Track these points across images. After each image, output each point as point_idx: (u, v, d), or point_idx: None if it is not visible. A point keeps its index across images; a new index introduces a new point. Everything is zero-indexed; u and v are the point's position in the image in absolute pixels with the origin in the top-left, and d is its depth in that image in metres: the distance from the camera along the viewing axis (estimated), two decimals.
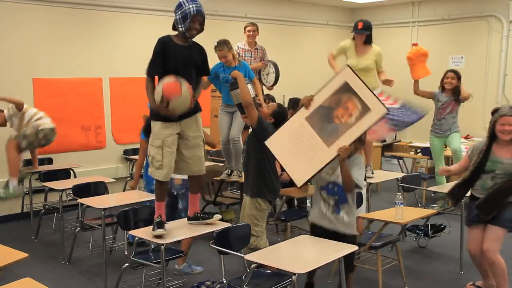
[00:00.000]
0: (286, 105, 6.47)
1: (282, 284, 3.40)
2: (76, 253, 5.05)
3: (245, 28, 6.66)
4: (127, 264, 3.95)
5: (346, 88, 3.42)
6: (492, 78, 8.38)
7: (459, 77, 6.00)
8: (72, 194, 5.07)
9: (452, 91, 6.02)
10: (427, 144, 6.90)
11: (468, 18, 8.58)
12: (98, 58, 6.92)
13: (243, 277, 3.48)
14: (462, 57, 8.72)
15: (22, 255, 3.10)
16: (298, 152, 3.51)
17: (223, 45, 5.20)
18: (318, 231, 3.63)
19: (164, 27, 7.57)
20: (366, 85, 3.42)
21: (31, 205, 6.04)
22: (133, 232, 3.75)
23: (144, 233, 3.72)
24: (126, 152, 7.17)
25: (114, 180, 5.82)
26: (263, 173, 4.14)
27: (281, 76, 9.09)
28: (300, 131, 3.53)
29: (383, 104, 3.37)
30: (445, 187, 5.38)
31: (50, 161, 6.52)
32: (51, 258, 5.10)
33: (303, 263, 3.13)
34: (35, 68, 6.40)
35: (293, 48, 9.34)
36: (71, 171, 6.28)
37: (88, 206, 4.63)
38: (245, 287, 3.33)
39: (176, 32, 3.96)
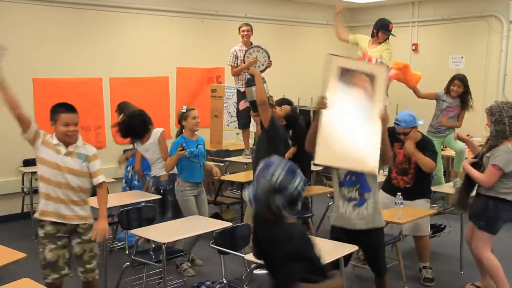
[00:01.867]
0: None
1: None
2: None
3: (239, 28, 6.69)
4: (128, 264, 3.96)
5: (343, 71, 3.42)
6: (492, 78, 8.37)
7: (465, 84, 5.97)
8: None
9: (459, 97, 6.00)
10: None
11: (468, 18, 8.58)
12: (98, 58, 6.92)
13: (243, 277, 3.49)
14: (462, 57, 8.71)
15: (20, 255, 3.10)
16: (352, 145, 3.35)
17: None
18: (337, 232, 3.50)
19: (164, 27, 7.63)
20: (353, 58, 3.52)
21: (31, 205, 6.04)
22: (135, 232, 3.76)
23: (145, 232, 3.73)
24: (126, 152, 7.16)
25: (114, 180, 5.82)
26: None
27: (281, 76, 9.11)
28: (341, 129, 3.39)
29: (381, 63, 3.47)
30: (445, 187, 5.39)
31: None
32: None
33: None
34: (35, 68, 6.40)
35: (293, 48, 9.34)
36: None
37: None
38: (245, 287, 3.33)
39: None
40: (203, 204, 4.82)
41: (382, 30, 6.20)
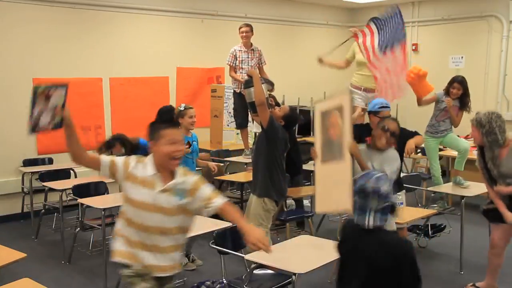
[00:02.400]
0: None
1: (282, 284, 3.40)
2: (76, 253, 5.05)
3: (239, 29, 6.66)
4: None
5: (323, 115, 3.59)
6: (492, 78, 8.37)
7: (465, 87, 5.93)
8: (72, 194, 5.07)
9: (459, 99, 5.97)
10: None
11: (468, 18, 8.58)
12: (98, 58, 6.92)
13: (243, 277, 3.49)
14: (462, 57, 8.71)
15: (20, 255, 3.10)
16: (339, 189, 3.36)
17: None
18: None
19: (164, 27, 7.63)
20: (328, 98, 3.72)
21: (31, 205, 6.04)
22: None
23: None
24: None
25: (114, 180, 5.81)
26: (272, 174, 4.14)
27: (281, 76, 9.10)
28: (328, 175, 3.55)
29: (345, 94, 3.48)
30: (445, 187, 5.39)
31: (50, 161, 6.52)
32: (51, 258, 5.10)
33: (303, 263, 3.13)
34: (35, 68, 6.40)
35: (293, 48, 9.34)
36: (71, 171, 6.28)
37: (88, 206, 4.64)
38: (245, 287, 3.33)
39: None
40: None
41: None
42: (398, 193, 4.21)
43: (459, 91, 5.87)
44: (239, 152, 7.12)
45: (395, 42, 5.22)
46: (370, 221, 2.33)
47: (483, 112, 3.90)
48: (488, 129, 3.80)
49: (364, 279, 2.34)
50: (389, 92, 5.23)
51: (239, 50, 6.61)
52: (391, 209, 2.35)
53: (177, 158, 2.60)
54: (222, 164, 6.64)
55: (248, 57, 6.61)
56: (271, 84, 5.42)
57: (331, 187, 3.40)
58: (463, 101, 5.93)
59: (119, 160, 2.69)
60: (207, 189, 2.69)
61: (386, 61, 5.25)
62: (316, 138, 3.63)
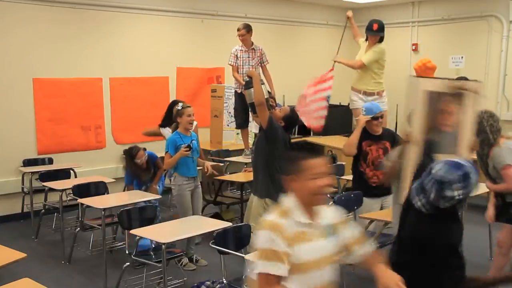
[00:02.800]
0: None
1: None
2: (76, 253, 5.05)
3: (237, 30, 6.65)
4: (128, 264, 3.96)
5: (432, 97, 3.05)
6: (492, 78, 8.37)
7: None
8: (72, 194, 5.07)
9: None
10: None
11: (468, 18, 8.58)
12: (98, 58, 6.92)
13: (243, 277, 3.48)
14: (462, 57, 8.71)
15: (20, 255, 3.10)
16: None
17: None
18: None
19: (164, 27, 7.62)
20: (437, 78, 3.15)
21: (31, 205, 6.03)
22: (135, 232, 3.75)
23: (145, 232, 3.73)
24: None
25: (114, 180, 5.82)
26: (272, 174, 4.15)
27: (281, 76, 9.09)
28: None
29: (468, 80, 3.04)
30: None
31: (50, 161, 6.52)
32: (51, 258, 5.10)
33: None
34: (35, 68, 6.40)
35: (293, 48, 9.34)
36: (71, 171, 6.28)
37: (88, 206, 4.64)
38: (245, 287, 3.33)
39: None
40: (198, 199, 4.93)
41: (367, 32, 6.23)
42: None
43: None
44: (239, 152, 7.12)
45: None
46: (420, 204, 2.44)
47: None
48: (479, 128, 3.77)
49: None
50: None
51: (240, 50, 6.61)
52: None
53: (326, 194, 2.16)
54: (222, 164, 6.64)
55: (249, 57, 6.61)
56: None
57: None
58: None
59: (276, 239, 2.02)
60: (355, 228, 2.28)
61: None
62: (415, 121, 3.07)
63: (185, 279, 4.37)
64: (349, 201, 4.51)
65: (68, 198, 5.32)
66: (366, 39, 6.42)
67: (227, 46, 8.33)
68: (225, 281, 3.60)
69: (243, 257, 3.39)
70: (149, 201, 4.69)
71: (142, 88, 7.35)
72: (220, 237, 3.60)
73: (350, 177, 5.77)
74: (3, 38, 6.19)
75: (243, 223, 4.10)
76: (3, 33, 6.16)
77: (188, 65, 7.83)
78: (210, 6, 8.03)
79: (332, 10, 9.90)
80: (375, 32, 6.12)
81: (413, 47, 9.31)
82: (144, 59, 7.36)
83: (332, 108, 7.62)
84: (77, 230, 4.99)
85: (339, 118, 8.69)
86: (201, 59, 7.96)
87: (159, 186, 5.52)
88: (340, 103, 8.90)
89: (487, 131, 3.82)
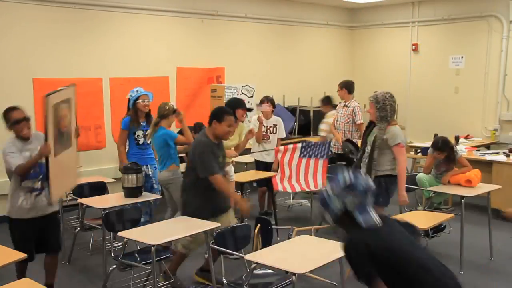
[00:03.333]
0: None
1: (282, 284, 3.40)
2: (76, 253, 5.05)
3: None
4: (115, 266, 3.94)
5: (55, 109, 3.66)
6: (492, 78, 8.37)
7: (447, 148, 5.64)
8: (72, 194, 5.07)
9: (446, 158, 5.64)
10: (427, 144, 6.88)
11: (468, 18, 8.58)
12: (98, 58, 6.92)
13: (243, 277, 3.49)
14: (462, 57, 8.71)
15: (20, 255, 3.10)
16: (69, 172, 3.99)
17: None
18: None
19: (164, 27, 7.62)
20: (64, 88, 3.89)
21: None
22: (121, 234, 3.71)
23: (131, 234, 3.70)
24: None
25: (114, 180, 5.82)
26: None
27: (281, 76, 9.12)
28: (60, 165, 3.74)
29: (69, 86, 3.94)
30: (445, 187, 5.38)
31: None
32: None
33: (303, 263, 3.13)
34: (35, 68, 6.40)
35: (293, 48, 9.34)
36: None
37: (88, 206, 4.63)
38: (245, 287, 3.33)
39: None
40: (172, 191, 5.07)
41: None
42: None
43: (441, 155, 5.53)
44: None
45: (318, 156, 5.64)
46: (375, 216, 2.31)
47: (380, 91, 4.53)
48: (381, 106, 4.43)
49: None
50: (286, 184, 5.53)
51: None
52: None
53: None
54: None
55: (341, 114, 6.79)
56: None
57: (63, 174, 3.78)
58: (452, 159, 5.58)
59: None
60: None
61: (301, 163, 5.58)
62: (49, 133, 3.56)
63: (172, 280, 4.33)
64: None
65: (68, 198, 5.31)
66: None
67: (227, 46, 8.35)
68: (225, 281, 3.60)
69: (243, 257, 3.39)
70: (135, 203, 4.65)
71: (142, 88, 7.34)
72: (220, 237, 3.60)
73: None
74: (3, 38, 6.19)
75: (243, 223, 4.10)
76: (3, 33, 6.16)
77: (188, 65, 7.83)
78: (210, 6, 8.03)
79: (332, 10, 9.90)
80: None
81: (413, 47, 9.32)
82: (144, 59, 7.36)
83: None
84: (77, 230, 4.99)
85: None
86: (201, 59, 7.97)
87: (154, 188, 5.44)
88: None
89: (388, 109, 4.43)
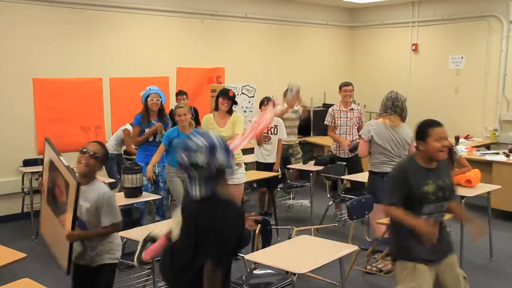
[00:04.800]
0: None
1: (282, 284, 3.40)
2: None
3: (340, 87, 6.25)
4: None
5: (53, 167, 3.19)
6: (492, 78, 8.37)
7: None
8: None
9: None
10: None
11: (468, 18, 8.58)
12: (98, 58, 6.92)
13: (243, 277, 3.49)
14: (462, 57, 8.71)
15: (20, 255, 3.10)
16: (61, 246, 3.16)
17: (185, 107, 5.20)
18: None
19: (164, 27, 7.63)
20: (58, 155, 3.13)
21: (31, 205, 6.04)
22: (121, 234, 3.70)
23: (131, 234, 3.70)
24: (126, 152, 7.17)
25: (114, 180, 5.82)
26: None
27: (280, 77, 9.10)
28: (51, 223, 3.23)
29: (74, 177, 2.94)
30: None
31: None
32: (51, 258, 5.04)
33: (303, 263, 3.13)
34: (35, 68, 6.40)
35: (293, 48, 9.34)
36: None
37: None
38: (245, 287, 3.33)
39: None
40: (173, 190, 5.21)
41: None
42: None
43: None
44: None
45: None
46: (196, 191, 2.28)
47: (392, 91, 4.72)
48: (381, 102, 4.66)
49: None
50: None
51: (337, 110, 6.23)
52: (217, 176, 2.28)
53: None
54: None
55: (347, 118, 6.22)
56: None
57: (54, 236, 3.25)
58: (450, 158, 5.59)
59: None
60: None
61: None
62: (45, 179, 3.26)
63: None
64: (361, 206, 4.47)
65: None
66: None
67: (227, 46, 8.35)
68: None
69: (243, 257, 3.39)
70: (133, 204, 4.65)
71: (142, 88, 7.30)
72: None
73: (350, 177, 5.79)
74: (3, 38, 6.19)
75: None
76: (3, 33, 6.16)
77: (188, 65, 7.84)
78: (210, 6, 8.03)
79: (332, 10, 9.90)
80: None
81: (413, 47, 9.31)
82: (144, 59, 7.36)
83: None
84: None
85: None
86: (201, 59, 7.97)
87: (160, 186, 5.49)
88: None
89: (382, 105, 4.61)
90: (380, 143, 4.54)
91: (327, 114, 6.26)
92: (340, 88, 6.24)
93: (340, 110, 6.18)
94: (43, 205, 3.36)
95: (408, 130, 4.59)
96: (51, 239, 3.33)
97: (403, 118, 4.62)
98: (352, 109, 6.23)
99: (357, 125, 6.22)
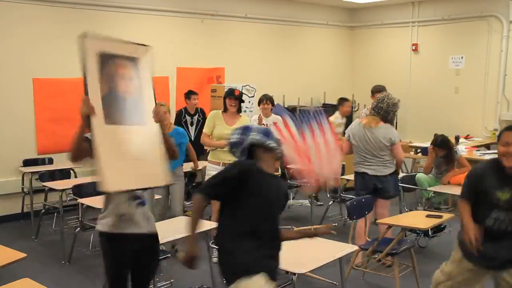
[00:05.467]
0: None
1: (282, 284, 3.39)
2: (76, 253, 5.05)
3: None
4: None
5: (104, 58, 2.73)
6: (492, 78, 8.37)
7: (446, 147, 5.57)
8: (72, 194, 5.07)
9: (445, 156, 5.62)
10: (427, 144, 6.89)
11: (468, 18, 8.58)
12: None
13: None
14: (462, 57, 8.72)
15: (20, 255, 3.09)
16: (138, 159, 2.69)
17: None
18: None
19: (164, 27, 7.63)
20: (113, 39, 2.75)
21: (31, 205, 6.03)
22: None
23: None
24: None
25: None
26: None
27: (281, 76, 9.12)
28: (120, 141, 2.69)
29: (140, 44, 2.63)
30: (445, 187, 5.38)
31: (50, 161, 6.51)
32: (51, 258, 5.10)
33: (303, 263, 3.13)
34: (35, 68, 6.40)
35: (293, 48, 9.34)
36: (71, 171, 6.28)
37: (88, 206, 4.63)
38: None
39: None
40: (174, 194, 5.19)
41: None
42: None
43: (440, 152, 5.51)
44: None
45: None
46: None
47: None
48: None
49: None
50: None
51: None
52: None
53: None
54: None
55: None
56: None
57: (125, 158, 2.64)
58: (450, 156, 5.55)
59: None
60: None
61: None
62: (90, 87, 2.60)
63: (172, 280, 4.34)
64: (361, 206, 4.44)
65: (68, 198, 5.32)
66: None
67: (227, 46, 8.35)
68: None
69: None
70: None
71: None
72: None
73: (350, 177, 5.78)
74: (3, 38, 6.19)
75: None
76: (3, 33, 6.16)
77: (188, 65, 7.83)
78: (210, 6, 8.03)
79: (332, 10, 9.90)
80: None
81: (413, 47, 9.32)
82: None
83: (331, 108, 7.62)
84: (77, 230, 4.99)
85: None
86: (201, 59, 7.97)
87: None
88: None
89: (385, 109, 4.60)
90: (354, 143, 4.67)
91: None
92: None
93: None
94: (99, 131, 2.60)
95: (387, 131, 4.53)
96: (119, 167, 2.60)
97: (385, 119, 4.58)
98: None
99: None
